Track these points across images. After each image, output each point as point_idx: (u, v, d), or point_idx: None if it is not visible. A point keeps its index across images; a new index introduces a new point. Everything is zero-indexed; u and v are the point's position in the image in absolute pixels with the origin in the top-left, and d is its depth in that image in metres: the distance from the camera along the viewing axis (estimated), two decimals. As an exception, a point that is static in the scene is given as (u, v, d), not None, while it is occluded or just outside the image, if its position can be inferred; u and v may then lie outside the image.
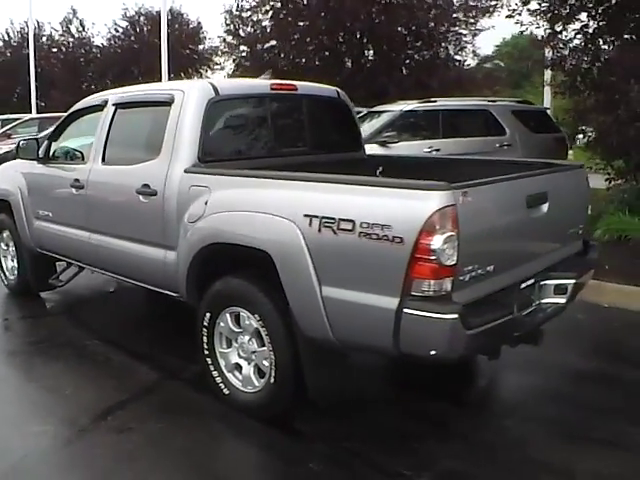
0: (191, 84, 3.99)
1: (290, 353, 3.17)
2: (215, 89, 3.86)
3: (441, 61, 16.09)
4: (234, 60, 19.30)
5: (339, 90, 4.70)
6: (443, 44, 16.46)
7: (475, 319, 2.74)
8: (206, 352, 3.60)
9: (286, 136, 4.44)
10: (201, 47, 28.39)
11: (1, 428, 3.48)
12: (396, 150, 8.35)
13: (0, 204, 5.65)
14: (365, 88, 15.64)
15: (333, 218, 2.85)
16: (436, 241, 2.59)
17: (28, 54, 23.87)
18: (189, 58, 27.77)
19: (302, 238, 2.95)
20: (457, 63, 16.46)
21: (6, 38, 30.53)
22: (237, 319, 3.46)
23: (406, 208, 2.68)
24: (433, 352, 2.71)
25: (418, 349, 2.76)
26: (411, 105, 9.10)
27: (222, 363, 3.56)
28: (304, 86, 4.47)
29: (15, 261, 5.68)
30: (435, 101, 9.15)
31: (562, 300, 3.49)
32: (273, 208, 3.12)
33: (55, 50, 28.37)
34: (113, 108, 4.42)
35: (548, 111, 10.60)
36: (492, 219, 2.94)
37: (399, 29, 16.01)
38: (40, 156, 5.09)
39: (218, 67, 26.08)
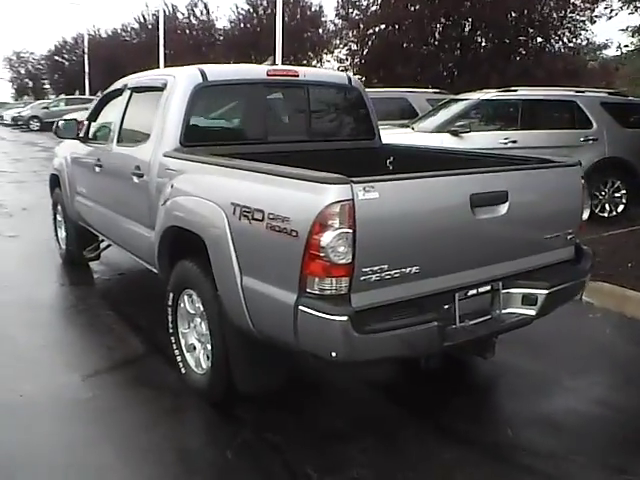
0: (182, 70, 4.07)
1: (223, 340, 3.20)
2: (203, 75, 3.92)
3: (552, 49, 15.09)
4: (344, 44, 19.40)
5: (351, 76, 4.60)
6: (559, 31, 15.44)
7: (376, 324, 2.60)
8: (171, 330, 3.72)
9: (281, 123, 4.41)
10: (321, 31, 28.60)
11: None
12: (469, 140, 8.02)
13: (57, 179, 6.13)
14: (469, 76, 15.10)
15: (249, 207, 2.83)
16: (326, 237, 2.47)
17: (159, 36, 25.28)
18: (310, 41, 28.10)
19: (227, 225, 2.95)
20: (571, 52, 15.33)
21: (141, 20, 32.53)
22: (193, 301, 3.53)
23: (303, 201, 2.59)
24: (334, 354, 2.61)
25: (317, 349, 2.68)
26: (490, 94, 8.70)
27: (182, 342, 3.66)
28: (308, 72, 4.41)
29: (64, 232, 6.15)
30: (515, 90, 8.65)
31: (531, 312, 3.22)
32: (211, 194, 3.15)
33: (180, 32, 29.65)
34: (129, 92, 4.64)
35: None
36: (410, 218, 2.72)
37: (510, 14, 15.24)
38: (81, 135, 5.46)
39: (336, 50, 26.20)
